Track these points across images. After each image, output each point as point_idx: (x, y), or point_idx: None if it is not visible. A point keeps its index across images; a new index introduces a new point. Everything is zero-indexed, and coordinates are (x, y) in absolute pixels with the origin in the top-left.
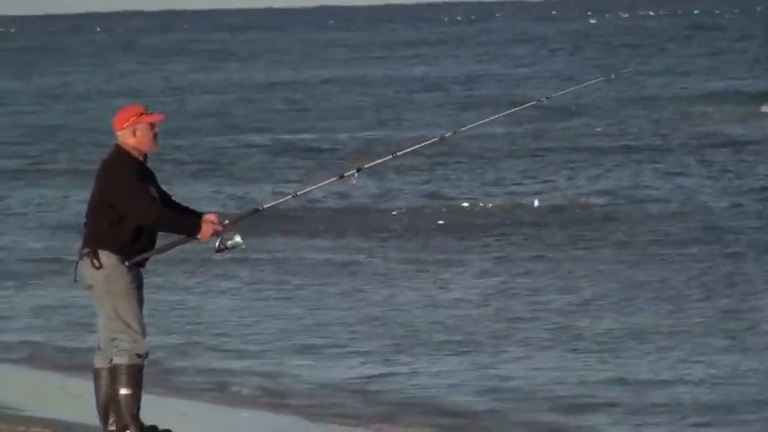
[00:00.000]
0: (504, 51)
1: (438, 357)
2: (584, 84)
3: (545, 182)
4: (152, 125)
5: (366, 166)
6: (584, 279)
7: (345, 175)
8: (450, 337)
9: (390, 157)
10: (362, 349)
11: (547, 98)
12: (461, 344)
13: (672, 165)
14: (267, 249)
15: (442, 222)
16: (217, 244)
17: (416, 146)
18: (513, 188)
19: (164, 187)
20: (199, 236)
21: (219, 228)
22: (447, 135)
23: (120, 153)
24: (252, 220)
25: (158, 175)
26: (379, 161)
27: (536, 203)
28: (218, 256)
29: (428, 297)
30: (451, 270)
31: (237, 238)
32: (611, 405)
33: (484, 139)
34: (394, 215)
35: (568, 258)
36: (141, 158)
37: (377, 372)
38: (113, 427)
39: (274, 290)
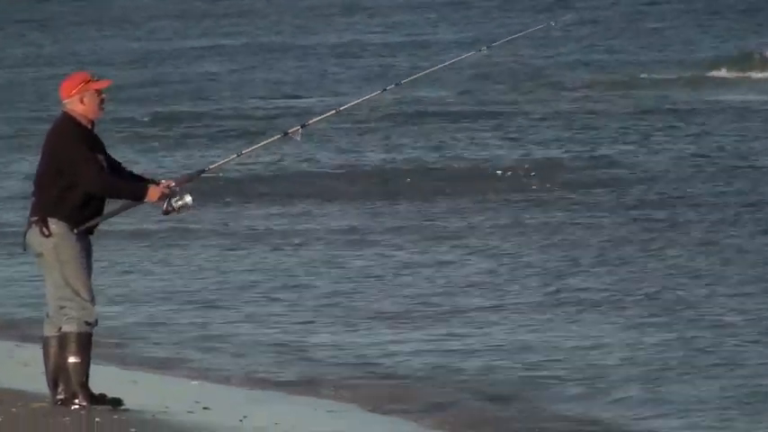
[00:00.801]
0: (456, 14)
1: (386, 325)
2: (525, 32)
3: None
4: (99, 92)
5: (310, 122)
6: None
7: (290, 131)
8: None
9: (333, 111)
10: (314, 318)
11: (487, 47)
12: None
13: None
14: (219, 218)
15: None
16: (164, 206)
17: (359, 99)
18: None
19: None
20: (146, 199)
21: (167, 190)
22: (389, 87)
23: (68, 120)
24: (198, 183)
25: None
26: (322, 116)
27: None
28: (168, 218)
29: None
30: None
31: (187, 198)
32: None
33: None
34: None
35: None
36: (89, 125)
37: (325, 340)
38: (62, 396)
39: (225, 259)
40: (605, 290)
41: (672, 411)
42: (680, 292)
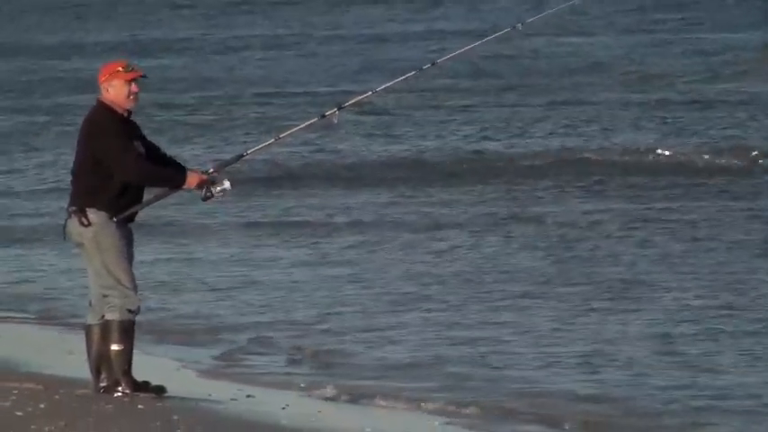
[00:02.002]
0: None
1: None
2: (559, 7)
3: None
4: (128, 82)
5: (347, 104)
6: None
7: (327, 114)
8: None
9: (370, 93)
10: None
11: (522, 24)
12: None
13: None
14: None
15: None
16: (204, 192)
17: (395, 80)
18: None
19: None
20: (185, 186)
21: (205, 176)
22: (425, 67)
23: (102, 108)
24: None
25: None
26: (359, 98)
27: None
28: (207, 204)
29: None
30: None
31: (226, 184)
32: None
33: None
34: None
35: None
36: (124, 113)
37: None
38: (105, 383)
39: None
40: None
41: None
42: None
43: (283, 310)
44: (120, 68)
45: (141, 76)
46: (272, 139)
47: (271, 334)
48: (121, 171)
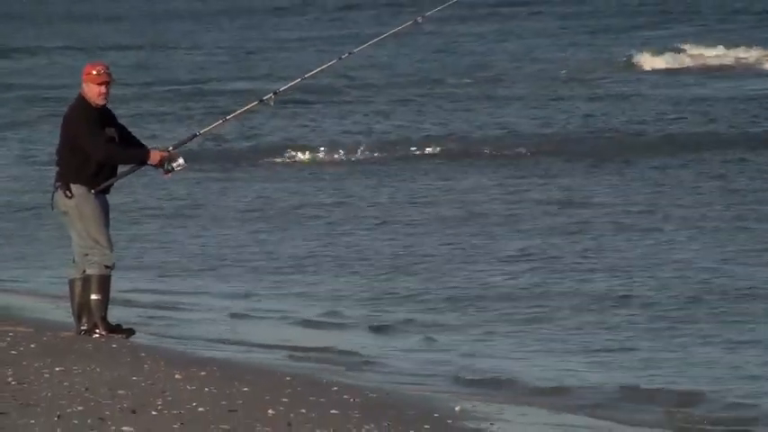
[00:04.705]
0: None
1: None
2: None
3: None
4: (98, 84)
5: (281, 88)
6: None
7: (264, 99)
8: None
9: (299, 80)
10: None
11: (421, 18)
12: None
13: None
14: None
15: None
16: (165, 167)
17: (323, 66)
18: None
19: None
20: (149, 162)
21: (165, 153)
22: (344, 56)
23: (80, 101)
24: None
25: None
26: (291, 83)
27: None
28: (167, 177)
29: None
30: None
31: (181, 160)
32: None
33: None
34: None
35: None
36: (98, 106)
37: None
38: (85, 327)
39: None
40: None
41: None
42: None
43: None
44: (94, 72)
45: (108, 83)
46: (220, 121)
47: None
48: (93, 153)
